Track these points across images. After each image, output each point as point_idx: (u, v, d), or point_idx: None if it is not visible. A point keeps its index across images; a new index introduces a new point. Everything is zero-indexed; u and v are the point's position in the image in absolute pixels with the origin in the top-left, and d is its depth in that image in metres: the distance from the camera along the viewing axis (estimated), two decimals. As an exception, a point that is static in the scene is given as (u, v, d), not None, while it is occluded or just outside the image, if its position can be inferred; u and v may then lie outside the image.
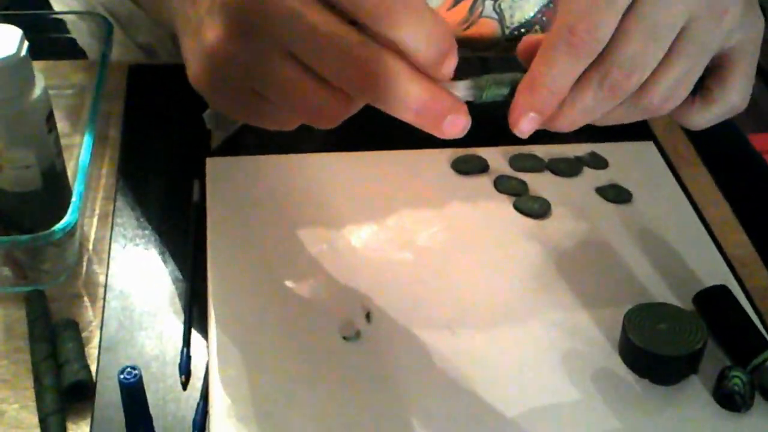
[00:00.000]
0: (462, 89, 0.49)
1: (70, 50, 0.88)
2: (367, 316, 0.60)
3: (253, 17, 0.46)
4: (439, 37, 0.46)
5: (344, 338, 0.58)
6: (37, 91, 0.62)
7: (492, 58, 0.88)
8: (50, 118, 0.64)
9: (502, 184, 0.70)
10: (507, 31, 0.87)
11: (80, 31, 0.88)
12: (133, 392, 0.52)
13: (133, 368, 0.52)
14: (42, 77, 0.63)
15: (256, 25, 0.46)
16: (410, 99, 0.46)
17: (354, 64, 0.45)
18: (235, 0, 0.46)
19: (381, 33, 0.45)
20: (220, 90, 0.49)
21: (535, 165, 0.72)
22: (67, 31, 0.85)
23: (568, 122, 0.51)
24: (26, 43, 0.61)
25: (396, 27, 0.45)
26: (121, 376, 0.51)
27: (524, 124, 0.50)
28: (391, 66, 0.45)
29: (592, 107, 0.50)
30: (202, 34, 0.48)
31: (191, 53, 0.49)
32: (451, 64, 0.47)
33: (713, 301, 0.61)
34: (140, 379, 0.52)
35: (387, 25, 0.45)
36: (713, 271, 0.64)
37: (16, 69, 0.60)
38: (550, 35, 0.49)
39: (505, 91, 0.50)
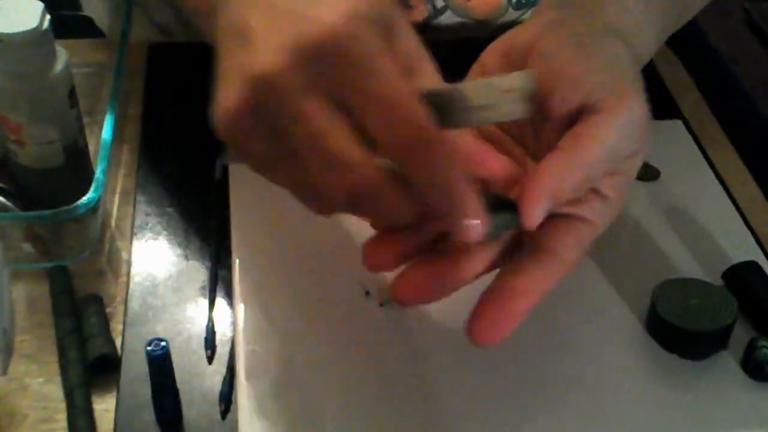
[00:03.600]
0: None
1: (88, 30, 0.88)
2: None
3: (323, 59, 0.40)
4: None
5: (380, 305, 0.58)
6: (59, 66, 0.61)
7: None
8: (72, 93, 0.63)
9: (528, 161, 0.70)
10: (514, 0, 0.85)
11: (97, 10, 0.87)
12: (160, 364, 0.52)
13: (161, 340, 0.51)
14: (64, 52, 0.62)
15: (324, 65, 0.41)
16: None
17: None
18: (308, 41, 0.40)
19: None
20: (250, 129, 0.44)
21: (562, 143, 0.71)
22: (83, 9, 0.84)
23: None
24: (48, 17, 0.60)
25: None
26: (148, 348, 0.51)
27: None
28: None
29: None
30: (256, 58, 0.41)
31: (232, 72, 0.43)
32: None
33: (743, 277, 0.60)
34: (167, 351, 0.51)
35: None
36: (742, 248, 0.64)
37: (39, 43, 0.60)
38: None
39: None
